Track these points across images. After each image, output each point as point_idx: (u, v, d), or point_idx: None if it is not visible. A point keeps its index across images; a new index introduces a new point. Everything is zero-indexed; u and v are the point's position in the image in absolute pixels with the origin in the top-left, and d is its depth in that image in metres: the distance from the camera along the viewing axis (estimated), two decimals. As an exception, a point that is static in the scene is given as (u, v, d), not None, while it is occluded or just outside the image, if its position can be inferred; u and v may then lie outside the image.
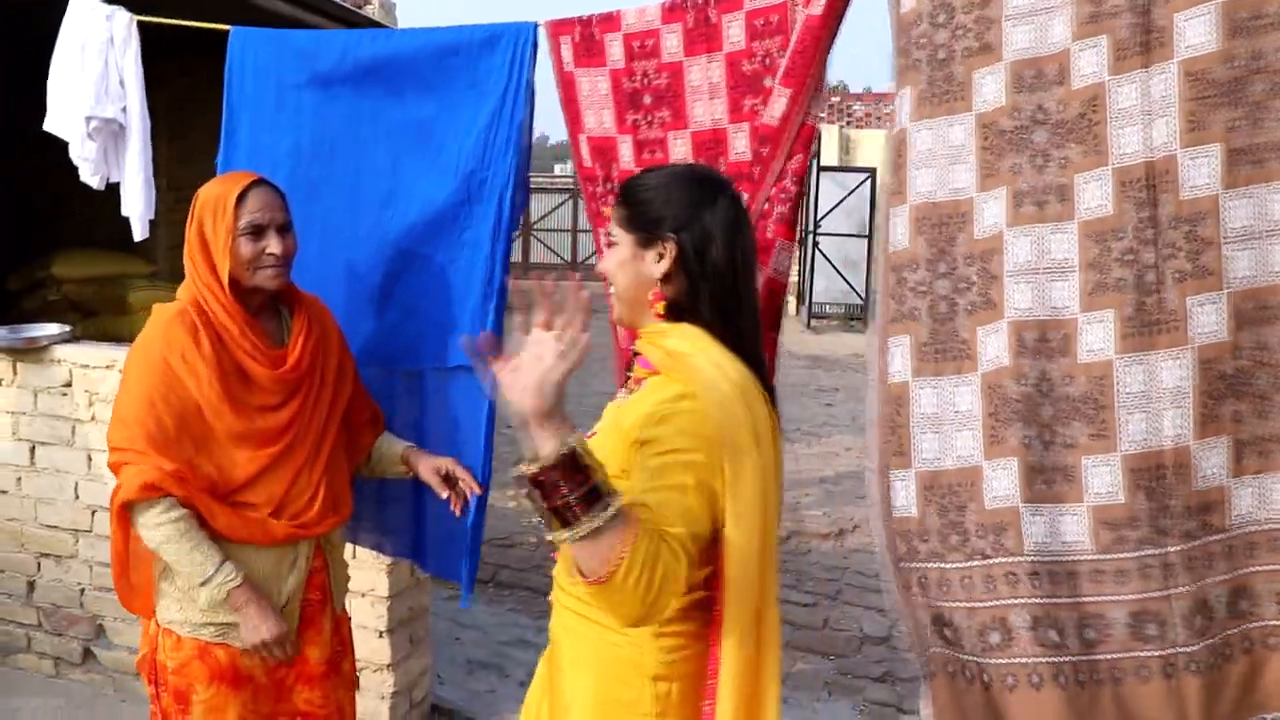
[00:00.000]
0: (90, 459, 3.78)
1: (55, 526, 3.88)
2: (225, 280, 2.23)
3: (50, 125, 3.70)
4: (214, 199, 2.26)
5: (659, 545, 1.47)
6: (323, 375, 2.41)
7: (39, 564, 3.94)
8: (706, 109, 2.15)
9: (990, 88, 1.75)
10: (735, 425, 1.61)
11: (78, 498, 3.82)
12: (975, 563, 1.78)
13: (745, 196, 1.98)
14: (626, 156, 2.28)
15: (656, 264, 1.76)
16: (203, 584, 2.14)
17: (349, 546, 2.86)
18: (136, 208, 3.72)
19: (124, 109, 3.70)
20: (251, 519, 2.23)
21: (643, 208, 1.79)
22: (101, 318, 6.61)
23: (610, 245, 1.83)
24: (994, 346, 1.72)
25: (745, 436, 1.61)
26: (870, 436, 1.84)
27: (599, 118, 2.33)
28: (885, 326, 1.83)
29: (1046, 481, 1.71)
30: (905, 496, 1.81)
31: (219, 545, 2.18)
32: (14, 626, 4.02)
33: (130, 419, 2.18)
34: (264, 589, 2.23)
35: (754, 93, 2.08)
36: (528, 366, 1.41)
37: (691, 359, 1.67)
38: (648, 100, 2.24)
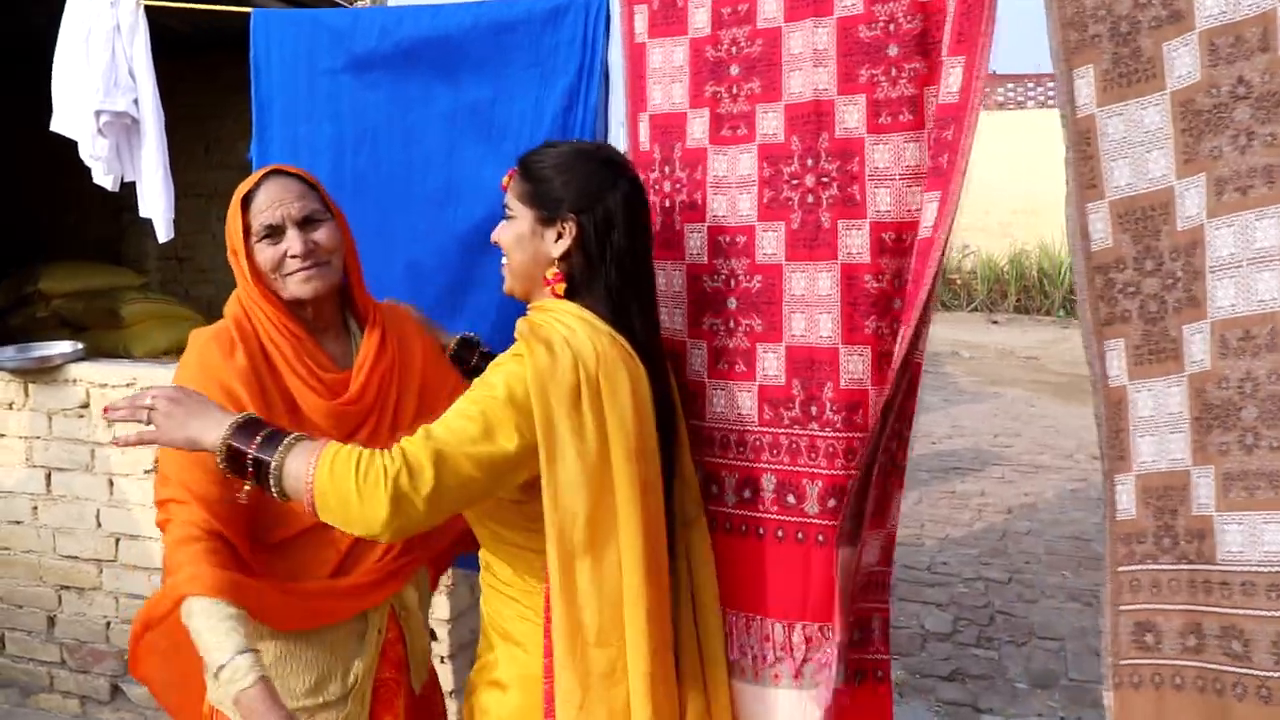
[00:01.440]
0: (112, 483, 3.52)
1: (75, 557, 3.63)
2: (264, 291, 1.91)
3: (58, 125, 3.44)
4: (231, 205, 1.93)
5: (356, 452, 1.58)
6: (397, 406, 1.98)
7: (60, 597, 3.68)
8: (807, 79, 1.92)
9: (1184, 61, 1.54)
10: (559, 390, 1.65)
11: (100, 525, 3.57)
12: (1183, 566, 1.62)
13: (934, 194, 1.76)
14: (698, 133, 2.05)
15: (555, 243, 1.78)
16: (214, 675, 1.67)
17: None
18: (158, 207, 3.47)
19: (135, 101, 3.46)
20: (311, 592, 1.86)
21: (544, 185, 1.78)
22: (93, 333, 6.31)
23: (508, 219, 1.83)
24: (1198, 348, 1.56)
25: (566, 404, 1.65)
26: (1099, 439, 1.70)
27: (667, 93, 2.10)
28: (1098, 330, 1.69)
29: (1248, 489, 1.55)
30: (1126, 499, 1.66)
31: (254, 623, 1.74)
32: (34, 665, 3.76)
33: (169, 468, 1.82)
34: (325, 674, 1.88)
35: (873, 62, 1.85)
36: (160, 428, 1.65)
37: (541, 328, 1.72)
38: (735, 71, 2.01)
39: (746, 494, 2.02)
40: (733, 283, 2.01)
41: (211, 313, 7.18)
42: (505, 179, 1.88)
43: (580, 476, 1.67)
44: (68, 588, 3.66)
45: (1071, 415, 8.61)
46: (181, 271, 7.43)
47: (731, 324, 2.02)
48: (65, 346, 3.63)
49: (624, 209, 1.78)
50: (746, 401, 2.01)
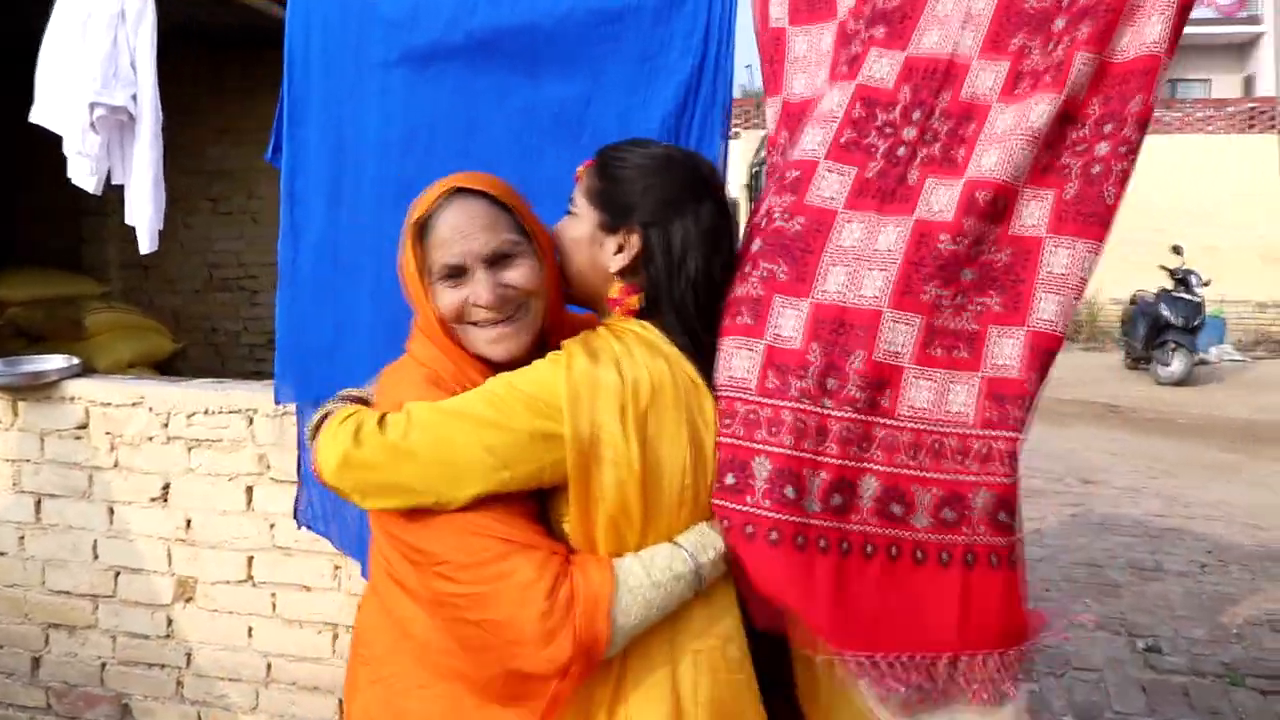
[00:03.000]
0: (113, 512, 3.21)
1: (67, 593, 3.30)
2: (451, 339, 1.63)
3: (40, 117, 3.14)
4: (404, 231, 1.63)
5: (349, 411, 1.56)
6: None
7: (47, 636, 3.35)
8: (947, 36, 1.73)
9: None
10: (606, 396, 1.48)
11: (97, 558, 3.25)
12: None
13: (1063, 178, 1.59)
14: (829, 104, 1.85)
15: (615, 255, 1.61)
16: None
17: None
18: (145, 215, 3.19)
19: (134, 96, 3.17)
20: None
21: (618, 187, 1.61)
22: (53, 344, 5.94)
23: (571, 214, 1.67)
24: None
25: (611, 410, 1.48)
26: None
27: (811, 78, 1.89)
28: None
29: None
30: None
31: None
32: (14, 710, 3.42)
33: None
34: None
35: (1030, 31, 1.68)
36: None
37: (592, 340, 1.55)
38: (858, 25, 1.83)
39: (730, 479, 1.58)
40: (765, 223, 1.71)
41: (178, 325, 6.86)
42: (580, 169, 1.70)
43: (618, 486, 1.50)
44: (57, 626, 3.33)
45: (1054, 438, 8.55)
46: (146, 280, 7.06)
47: (748, 268, 1.67)
48: (60, 361, 3.31)
49: (700, 233, 1.60)
50: (744, 363, 1.62)
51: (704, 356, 1.61)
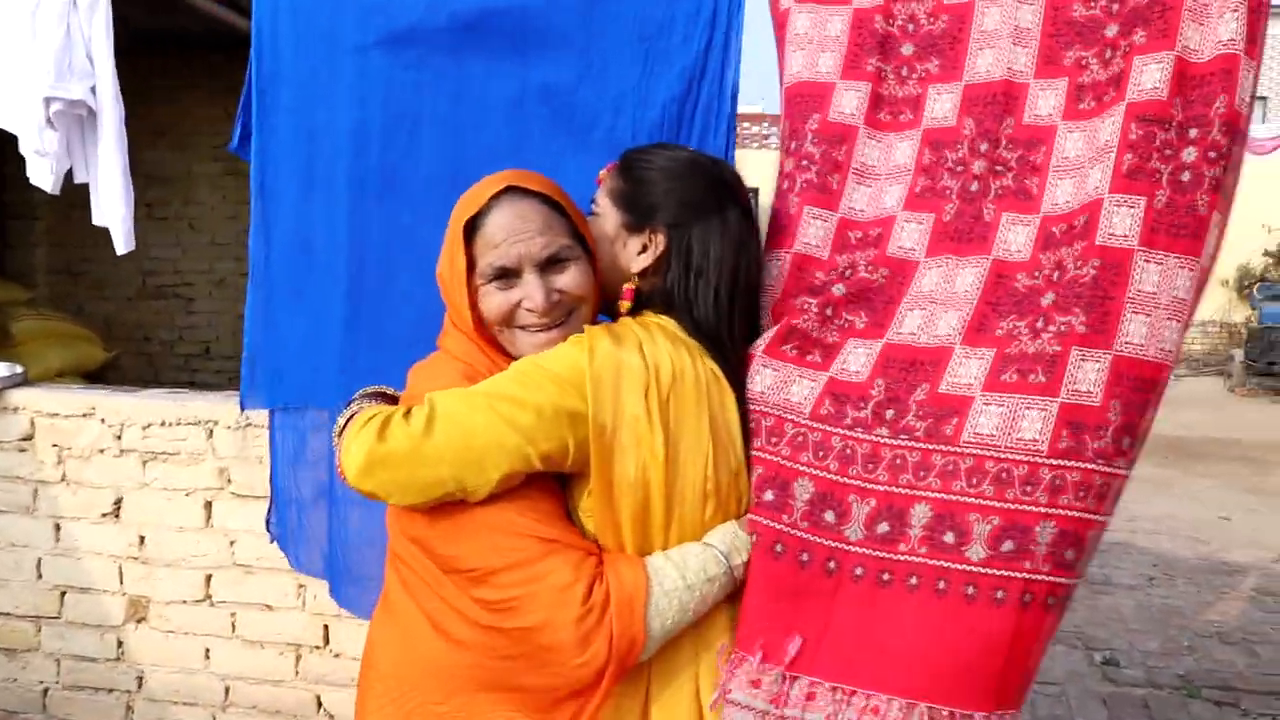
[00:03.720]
0: (59, 529, 3.04)
1: (7, 614, 3.12)
2: (489, 342, 1.58)
3: None
4: (449, 225, 1.57)
5: (373, 410, 1.50)
6: None
7: (-17, 661, 3.16)
8: (999, 58, 1.69)
9: None
10: (630, 377, 1.45)
11: (40, 577, 3.08)
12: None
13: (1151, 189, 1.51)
14: (848, 107, 1.75)
15: (638, 255, 1.60)
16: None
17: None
18: (116, 213, 3.05)
19: (93, 89, 3.02)
20: None
21: (643, 189, 1.61)
22: (-24, 353, 5.65)
23: (593, 214, 1.66)
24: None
25: (635, 392, 1.45)
26: None
27: (810, 60, 1.81)
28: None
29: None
30: None
31: None
32: (-55, 740, 3.22)
33: None
34: None
35: (1085, 43, 1.63)
36: None
37: (617, 325, 1.53)
38: (908, 50, 1.77)
39: (769, 494, 1.57)
40: (849, 273, 1.69)
41: (110, 333, 6.61)
42: (602, 172, 1.69)
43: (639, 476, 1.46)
44: (-5, 648, 3.14)
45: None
46: (75, 286, 6.80)
47: (830, 311, 1.67)
48: (2, 369, 3.13)
49: (725, 237, 1.59)
50: (802, 390, 1.60)
51: (725, 357, 1.58)
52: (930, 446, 1.52)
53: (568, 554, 1.43)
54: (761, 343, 1.65)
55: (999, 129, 1.68)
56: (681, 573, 1.45)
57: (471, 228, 1.53)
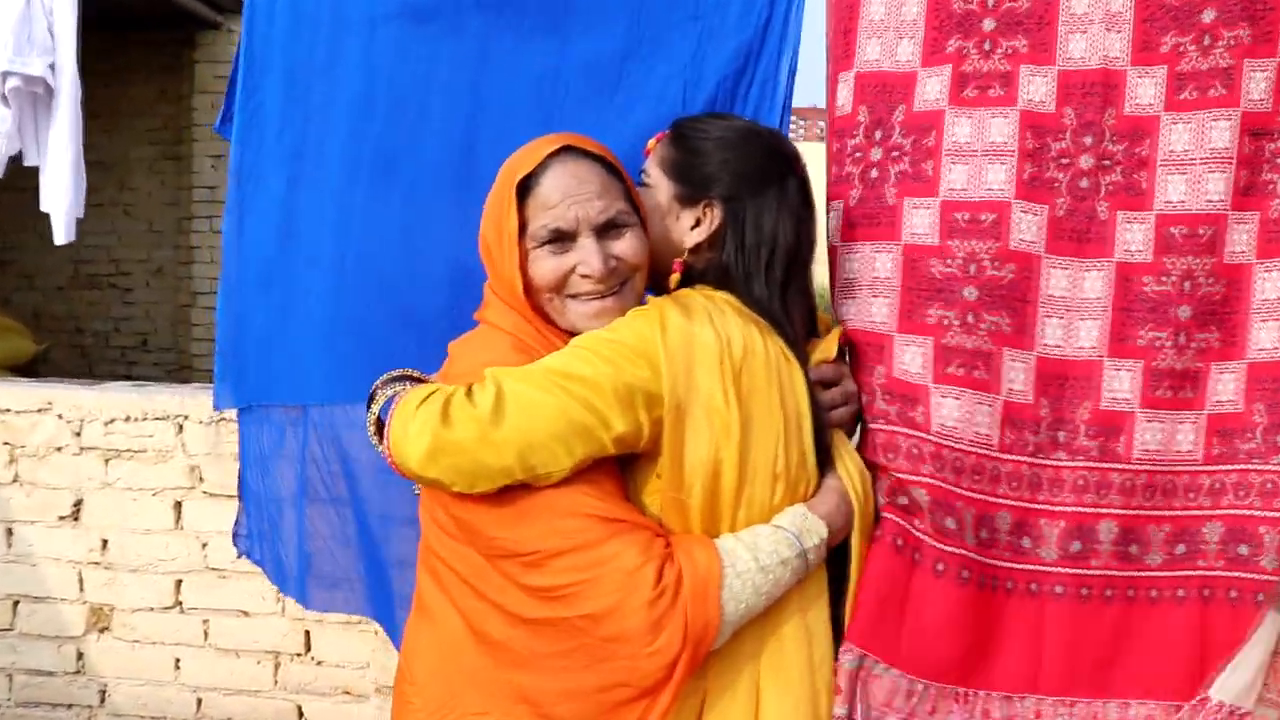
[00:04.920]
0: (11, 533, 2.84)
1: (-47, 625, 2.91)
2: (537, 310, 1.49)
3: None
4: (498, 186, 1.48)
5: (426, 390, 1.39)
6: None
7: (-73, 676, 2.95)
8: (1094, 44, 1.64)
9: None
10: (703, 350, 1.38)
11: (-9, 585, 2.88)
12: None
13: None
14: (932, 94, 1.70)
15: (691, 230, 1.54)
16: None
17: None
18: (62, 201, 2.88)
19: (51, 66, 2.83)
20: None
21: (697, 159, 1.55)
22: (-106, 347, 5.40)
23: (643, 185, 1.59)
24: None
25: (708, 365, 1.38)
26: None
27: (890, 48, 1.75)
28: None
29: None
30: None
31: None
32: (-115, 761, 3.00)
33: None
34: None
35: (1181, 29, 1.60)
36: None
37: (684, 295, 1.48)
38: (989, 25, 1.71)
39: (984, 534, 1.65)
40: (972, 268, 1.67)
41: (39, 324, 6.30)
42: (651, 142, 1.63)
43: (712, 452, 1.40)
44: (-60, 663, 2.93)
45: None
46: (1, 276, 6.46)
47: (971, 318, 1.66)
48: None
49: (785, 211, 1.54)
50: (984, 418, 1.64)
51: (786, 335, 1.51)
52: (1106, 465, 1.63)
53: (635, 534, 1.34)
54: (924, 369, 1.66)
55: (1101, 120, 1.65)
56: (754, 554, 1.37)
57: (524, 189, 1.43)
